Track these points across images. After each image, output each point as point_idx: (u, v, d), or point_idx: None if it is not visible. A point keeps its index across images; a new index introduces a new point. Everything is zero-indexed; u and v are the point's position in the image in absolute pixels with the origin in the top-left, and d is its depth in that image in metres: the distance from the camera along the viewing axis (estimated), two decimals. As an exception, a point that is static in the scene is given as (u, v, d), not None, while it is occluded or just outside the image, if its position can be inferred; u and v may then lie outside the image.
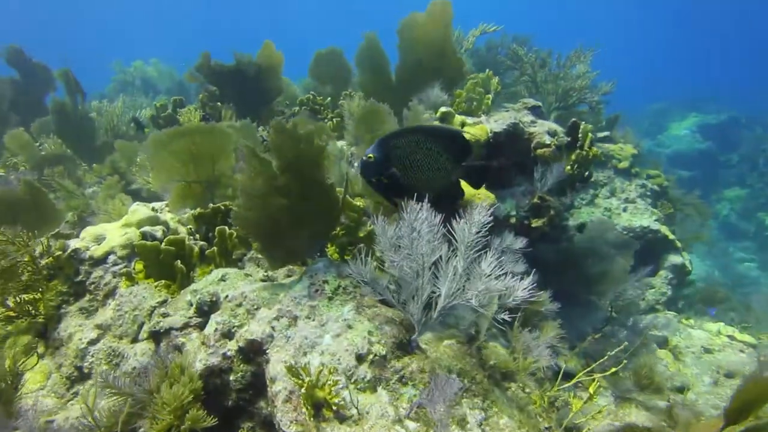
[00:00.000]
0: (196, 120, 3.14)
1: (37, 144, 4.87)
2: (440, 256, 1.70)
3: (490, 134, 2.68)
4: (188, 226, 2.52)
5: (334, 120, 3.83)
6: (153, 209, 2.73)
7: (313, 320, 1.72)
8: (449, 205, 1.80)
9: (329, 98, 4.11)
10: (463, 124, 2.69)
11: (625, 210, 4.96)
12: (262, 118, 3.94)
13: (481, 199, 2.47)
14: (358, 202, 2.52)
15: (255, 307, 1.78)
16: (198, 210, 2.31)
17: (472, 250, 1.68)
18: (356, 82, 2.98)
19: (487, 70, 3.35)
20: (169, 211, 2.57)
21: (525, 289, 1.57)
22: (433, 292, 1.71)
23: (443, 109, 2.67)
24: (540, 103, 3.64)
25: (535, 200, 2.78)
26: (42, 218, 2.88)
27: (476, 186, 2.04)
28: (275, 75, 3.69)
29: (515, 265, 1.80)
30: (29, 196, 2.82)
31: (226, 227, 2.21)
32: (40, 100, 5.03)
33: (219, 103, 3.80)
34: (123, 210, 3.45)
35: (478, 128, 2.66)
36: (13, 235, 2.12)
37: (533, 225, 2.76)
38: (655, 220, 4.80)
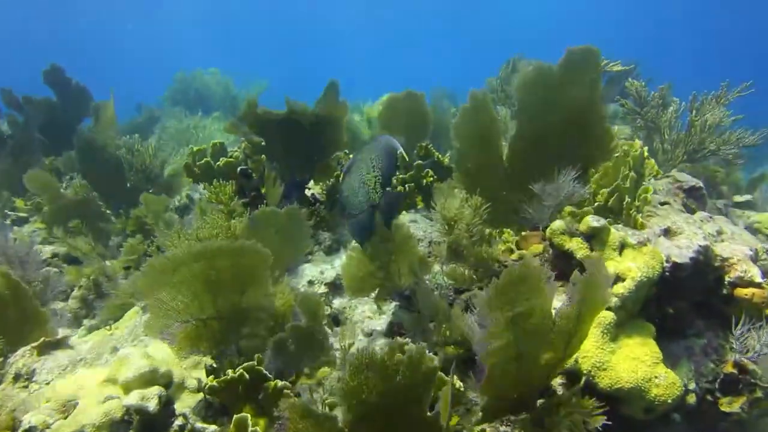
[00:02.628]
0: (226, 196, 2.36)
1: (66, 179, 4.35)
2: None
3: (666, 265, 1.69)
4: (199, 379, 1.73)
5: (406, 186, 2.95)
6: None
7: None
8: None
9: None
10: (622, 246, 1.72)
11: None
12: (316, 173, 3.14)
13: (660, 388, 1.50)
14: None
15: None
16: (209, 382, 1.49)
17: None
18: (454, 155, 2.09)
19: (635, 140, 2.35)
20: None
21: None
22: None
23: (593, 222, 1.71)
24: (701, 183, 2.59)
25: (729, 368, 1.76)
26: (25, 320, 2.21)
27: (386, 220, 1.83)
28: (336, 128, 2.86)
29: None
30: (9, 292, 2.15)
31: (248, 416, 1.38)
32: (75, 125, 4.50)
33: (263, 157, 3.02)
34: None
35: (646, 254, 1.68)
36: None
37: (723, 408, 1.74)
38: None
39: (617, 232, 1.73)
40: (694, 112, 4.18)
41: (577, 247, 1.71)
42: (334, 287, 2.55)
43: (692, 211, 2.43)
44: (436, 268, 2.38)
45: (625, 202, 2.00)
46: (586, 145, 2.03)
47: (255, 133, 2.91)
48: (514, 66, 5.93)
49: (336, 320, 2.45)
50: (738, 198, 4.25)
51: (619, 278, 1.63)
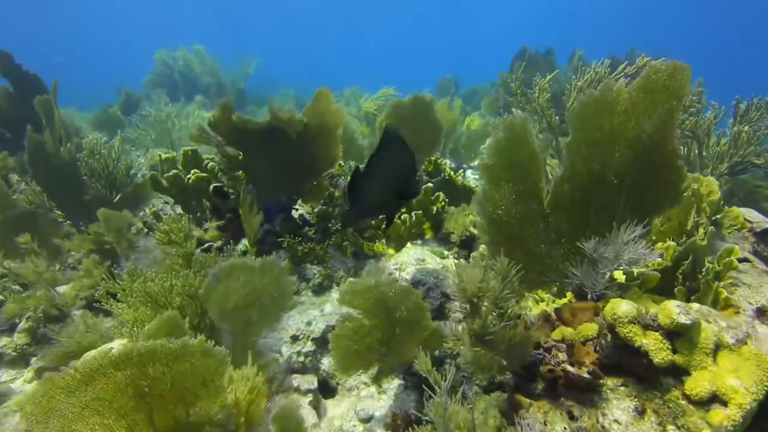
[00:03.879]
0: (180, 235, 1.85)
1: (22, 182, 3.83)
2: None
3: (777, 377, 1.23)
4: None
5: (413, 214, 2.46)
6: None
7: None
8: None
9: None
10: (717, 347, 1.25)
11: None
12: (305, 192, 2.64)
13: None
14: None
15: None
16: None
17: None
18: (478, 197, 1.60)
19: (708, 177, 1.86)
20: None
21: None
22: None
23: (681, 318, 1.23)
24: (775, 224, 2.12)
25: None
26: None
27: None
28: (330, 140, 2.35)
29: None
30: None
31: None
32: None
33: (241, 173, 2.52)
34: (85, 342, 2.29)
35: (749, 359, 1.21)
36: None
37: None
38: None
39: (710, 326, 1.26)
40: (738, 119, 3.70)
41: (654, 347, 1.25)
42: (324, 343, 2.09)
43: (766, 261, 1.96)
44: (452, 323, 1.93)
45: (704, 270, 1.53)
46: (652, 190, 1.55)
47: (231, 145, 2.40)
48: (529, 60, 5.39)
49: (325, 386, 2.00)
50: (781, 218, 3.78)
51: (716, 397, 1.17)
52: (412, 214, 2.41)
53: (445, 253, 2.36)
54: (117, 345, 2.14)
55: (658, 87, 1.38)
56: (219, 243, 2.71)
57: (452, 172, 2.69)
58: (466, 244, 2.46)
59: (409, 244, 2.45)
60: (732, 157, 3.51)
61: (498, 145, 1.49)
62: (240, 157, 2.45)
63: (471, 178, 4.97)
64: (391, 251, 2.47)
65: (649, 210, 1.61)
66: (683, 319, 1.21)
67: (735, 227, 1.80)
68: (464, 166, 5.33)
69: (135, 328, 1.78)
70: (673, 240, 1.81)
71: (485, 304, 1.40)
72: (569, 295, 1.69)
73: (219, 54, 8.80)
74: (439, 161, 2.71)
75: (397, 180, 1.64)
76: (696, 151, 3.68)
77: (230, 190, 2.61)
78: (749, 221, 2.12)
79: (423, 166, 2.72)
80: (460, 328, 1.42)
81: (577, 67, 6.60)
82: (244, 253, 2.51)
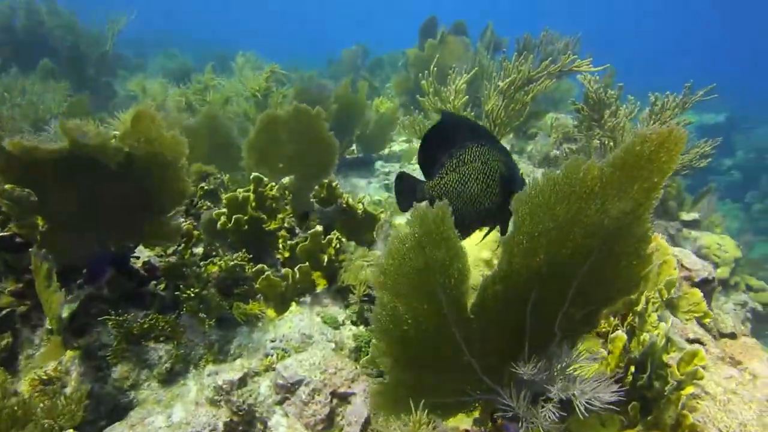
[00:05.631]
0: None
1: None
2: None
3: None
4: None
5: (297, 269, 1.86)
6: None
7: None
8: None
9: (285, 190, 2.11)
10: None
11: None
12: (146, 237, 1.90)
13: None
14: None
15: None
16: None
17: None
18: (376, 311, 1.04)
19: (661, 239, 1.48)
20: None
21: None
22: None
23: None
24: (713, 272, 1.86)
25: None
26: None
27: None
28: (169, 172, 1.63)
29: None
30: None
31: None
32: None
33: (39, 219, 1.72)
34: None
35: None
36: None
37: None
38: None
39: None
40: (652, 117, 3.53)
41: None
42: (167, 474, 1.47)
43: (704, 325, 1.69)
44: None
45: (667, 387, 1.15)
46: (608, 282, 1.12)
47: (13, 182, 1.58)
48: (442, 38, 4.87)
49: None
50: (685, 216, 3.77)
51: None
52: (296, 268, 1.81)
53: (340, 319, 1.81)
54: None
55: (641, 161, 0.91)
56: (23, 309, 1.91)
57: (350, 200, 2.11)
58: (369, 299, 1.94)
59: (293, 305, 1.87)
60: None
61: (401, 242, 0.94)
62: (32, 198, 1.65)
63: (379, 171, 4.44)
64: (270, 313, 1.87)
65: (600, 303, 1.19)
66: None
67: (695, 314, 1.47)
68: (373, 155, 4.78)
69: None
70: (616, 317, 1.43)
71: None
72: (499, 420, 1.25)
73: (82, 5, 7.12)
74: (333, 185, 2.10)
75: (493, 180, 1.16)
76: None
77: (28, 241, 1.79)
78: (686, 268, 1.83)
79: (312, 193, 2.10)
80: None
81: (489, 43, 6.23)
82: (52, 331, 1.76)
